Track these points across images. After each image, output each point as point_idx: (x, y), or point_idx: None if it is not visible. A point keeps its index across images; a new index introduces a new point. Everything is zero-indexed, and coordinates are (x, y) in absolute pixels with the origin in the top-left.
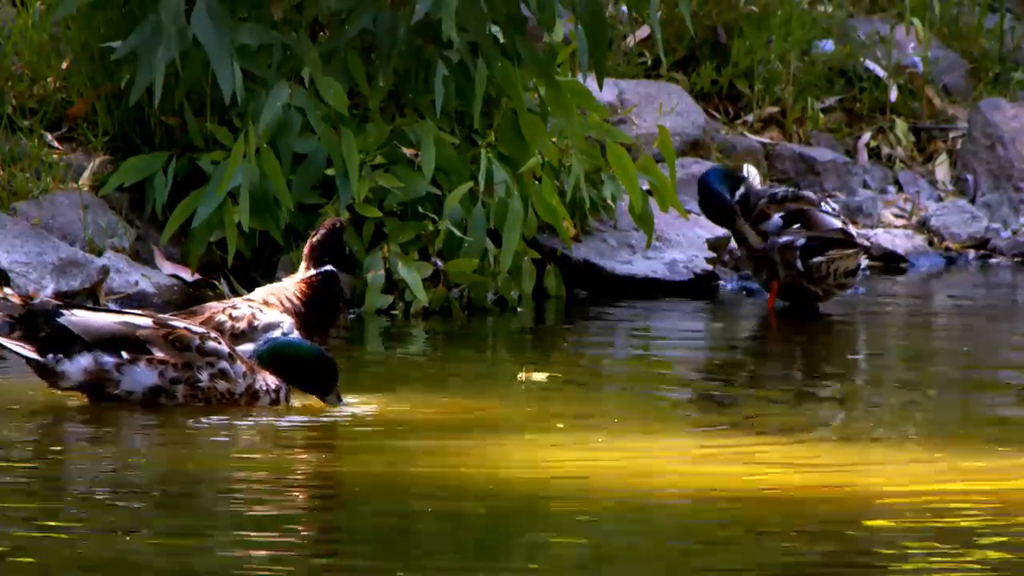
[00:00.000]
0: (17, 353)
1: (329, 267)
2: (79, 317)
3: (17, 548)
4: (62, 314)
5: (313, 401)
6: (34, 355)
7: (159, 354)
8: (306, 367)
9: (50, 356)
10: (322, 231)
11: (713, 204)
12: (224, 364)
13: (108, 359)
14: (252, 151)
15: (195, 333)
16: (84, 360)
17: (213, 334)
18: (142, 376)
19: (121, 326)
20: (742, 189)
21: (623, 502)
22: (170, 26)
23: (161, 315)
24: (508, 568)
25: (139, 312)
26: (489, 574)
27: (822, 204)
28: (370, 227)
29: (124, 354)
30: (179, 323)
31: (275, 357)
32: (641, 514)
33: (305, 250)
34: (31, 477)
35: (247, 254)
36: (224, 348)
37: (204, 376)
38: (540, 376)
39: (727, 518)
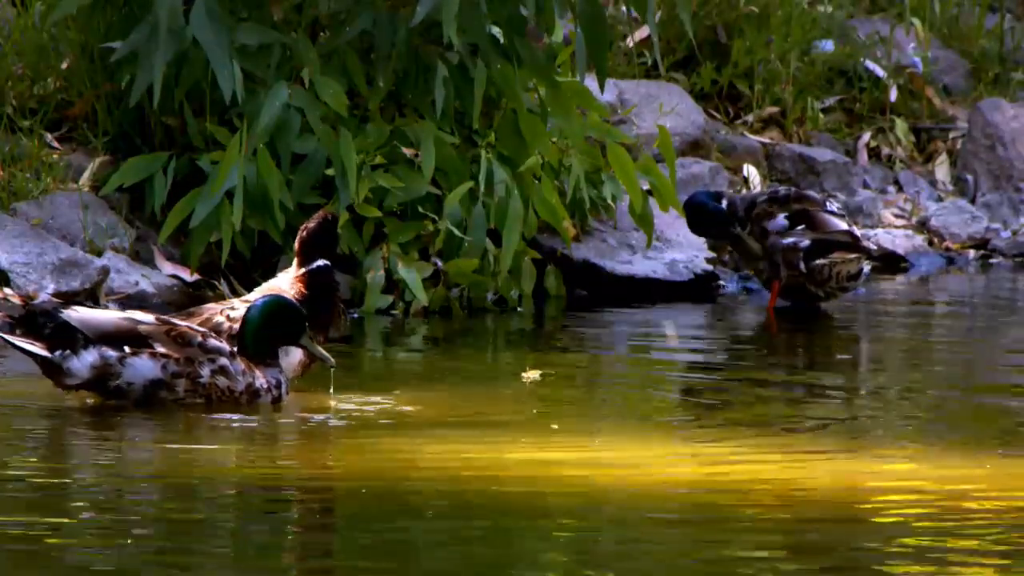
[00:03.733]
0: (25, 351)
1: (322, 262)
2: (80, 313)
3: (16, 553)
4: (62, 311)
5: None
6: (43, 351)
7: (161, 348)
8: (275, 323)
9: (57, 353)
10: (312, 225)
11: (705, 215)
12: (225, 361)
13: (111, 352)
14: (249, 151)
15: (197, 331)
16: (90, 356)
17: (214, 334)
18: (144, 368)
19: (124, 321)
20: (724, 201)
21: (622, 503)
22: (166, 26)
23: (161, 316)
24: (509, 570)
25: (141, 313)
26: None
27: (827, 204)
28: (370, 227)
29: (126, 348)
30: (182, 322)
31: (255, 339)
32: (640, 515)
33: (296, 246)
34: (33, 479)
35: (246, 254)
36: (226, 346)
37: (205, 372)
38: (535, 374)
39: (726, 518)
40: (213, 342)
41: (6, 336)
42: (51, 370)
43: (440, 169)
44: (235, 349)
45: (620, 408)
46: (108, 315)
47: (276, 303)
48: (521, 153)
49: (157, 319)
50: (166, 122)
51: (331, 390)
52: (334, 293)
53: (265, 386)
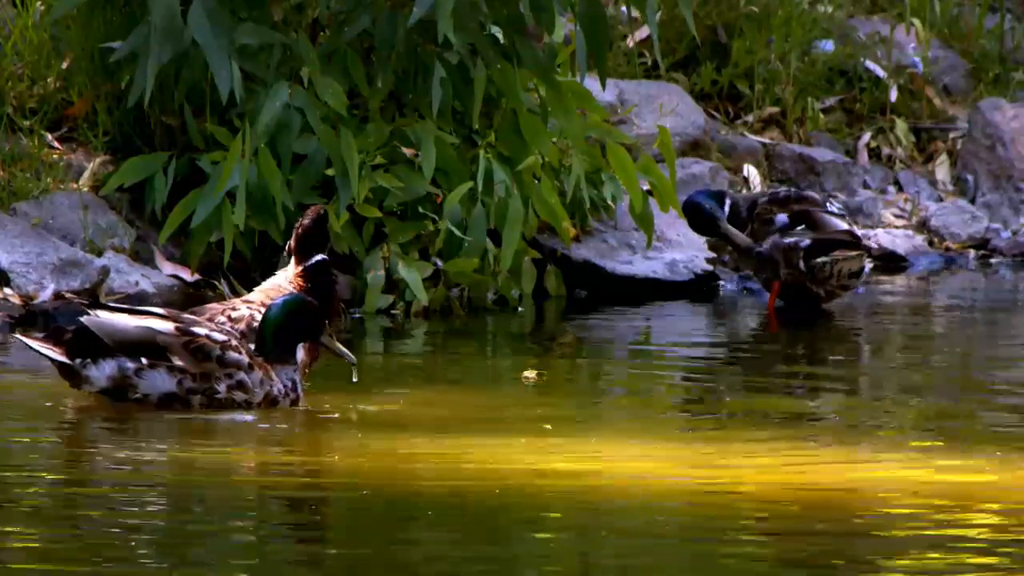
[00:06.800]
0: (44, 355)
1: (320, 257)
2: (102, 319)
3: (26, 550)
4: (86, 314)
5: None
6: (63, 357)
7: (179, 362)
8: (295, 321)
9: (77, 360)
10: (306, 222)
11: (695, 216)
12: (242, 375)
13: (129, 364)
14: (250, 151)
15: (216, 342)
16: (108, 367)
17: (234, 341)
18: (160, 381)
19: (142, 331)
20: (728, 201)
21: (621, 503)
22: (160, 28)
23: (183, 316)
24: (508, 571)
25: (161, 312)
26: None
27: (827, 204)
28: (370, 227)
29: (144, 360)
30: (201, 329)
31: (275, 338)
32: (639, 516)
33: (292, 244)
34: (42, 478)
35: (247, 254)
36: (244, 358)
37: (222, 387)
38: (532, 374)
39: (726, 519)
40: (232, 355)
41: (28, 341)
42: (69, 375)
43: (440, 169)
44: (253, 347)
45: (619, 408)
46: (128, 322)
47: (296, 301)
48: (521, 153)
49: (177, 328)
50: (166, 122)
51: (354, 378)
52: (333, 287)
53: (283, 391)
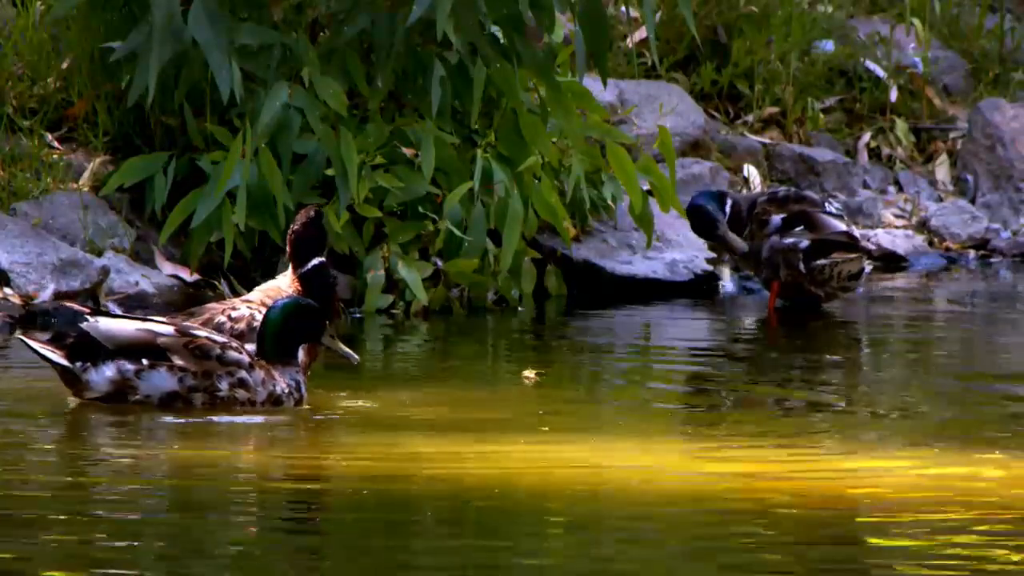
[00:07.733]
0: (45, 358)
1: (317, 260)
2: (103, 324)
3: (27, 553)
4: (86, 320)
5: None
6: (63, 360)
7: (179, 362)
8: (296, 323)
9: (78, 364)
10: (298, 227)
11: (698, 219)
12: (243, 374)
13: (129, 366)
14: (250, 151)
15: (216, 343)
16: (108, 371)
17: (235, 343)
18: (160, 381)
19: (142, 333)
20: (729, 201)
21: (621, 504)
22: (161, 28)
23: (184, 323)
24: (507, 571)
25: (162, 319)
26: None
27: (826, 205)
28: (370, 227)
29: (144, 360)
30: (201, 332)
31: (276, 339)
32: (639, 518)
33: (287, 249)
34: (42, 479)
35: (247, 254)
36: (244, 358)
37: (223, 385)
38: (532, 373)
39: (727, 519)
40: (232, 354)
41: (29, 342)
42: (70, 380)
43: (440, 169)
44: (253, 360)
45: (619, 408)
46: (128, 326)
47: (296, 303)
48: (521, 153)
49: (176, 330)
50: (166, 122)
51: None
52: (332, 289)
53: (286, 391)
